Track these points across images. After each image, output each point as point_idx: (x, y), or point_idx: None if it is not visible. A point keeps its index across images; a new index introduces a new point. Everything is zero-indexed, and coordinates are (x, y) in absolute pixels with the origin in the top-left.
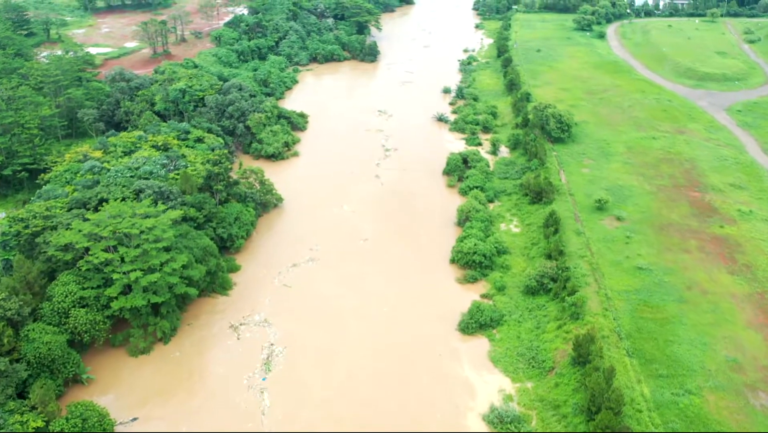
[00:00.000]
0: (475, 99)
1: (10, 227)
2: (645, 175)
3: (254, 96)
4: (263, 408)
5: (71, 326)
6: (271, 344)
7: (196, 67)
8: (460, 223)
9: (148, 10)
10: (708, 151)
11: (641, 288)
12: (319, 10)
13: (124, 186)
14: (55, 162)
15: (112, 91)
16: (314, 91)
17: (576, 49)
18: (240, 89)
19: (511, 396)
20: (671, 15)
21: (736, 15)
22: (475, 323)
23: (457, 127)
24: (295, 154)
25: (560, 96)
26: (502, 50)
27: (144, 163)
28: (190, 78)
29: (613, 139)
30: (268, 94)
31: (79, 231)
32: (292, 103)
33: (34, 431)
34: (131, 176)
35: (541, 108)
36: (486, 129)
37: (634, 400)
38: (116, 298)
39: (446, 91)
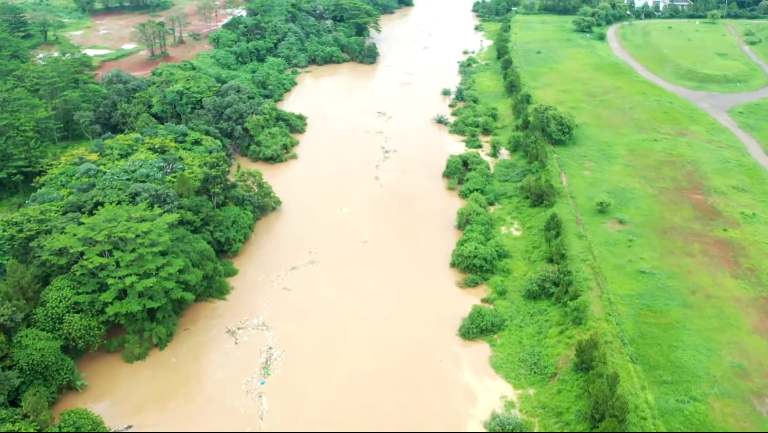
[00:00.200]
0: (475, 101)
1: (4, 230)
2: (647, 178)
3: (252, 98)
4: (261, 413)
5: (65, 331)
6: (270, 348)
7: (194, 68)
8: (461, 226)
9: (146, 12)
10: (710, 153)
11: (644, 292)
12: (317, 11)
13: (120, 189)
14: (51, 165)
15: (108, 93)
16: (313, 93)
17: (576, 50)
18: (238, 91)
19: (513, 403)
20: (671, 17)
21: (736, 16)
22: (475, 328)
23: (456, 129)
24: (294, 157)
25: (561, 98)
26: (501, 52)
27: (140, 166)
28: (188, 80)
29: (614, 141)
30: (267, 96)
31: (74, 235)
32: (290, 105)
33: None
34: (127, 179)
35: (542, 110)
36: (486, 131)
37: (638, 407)
38: (111, 303)
39: (446, 93)
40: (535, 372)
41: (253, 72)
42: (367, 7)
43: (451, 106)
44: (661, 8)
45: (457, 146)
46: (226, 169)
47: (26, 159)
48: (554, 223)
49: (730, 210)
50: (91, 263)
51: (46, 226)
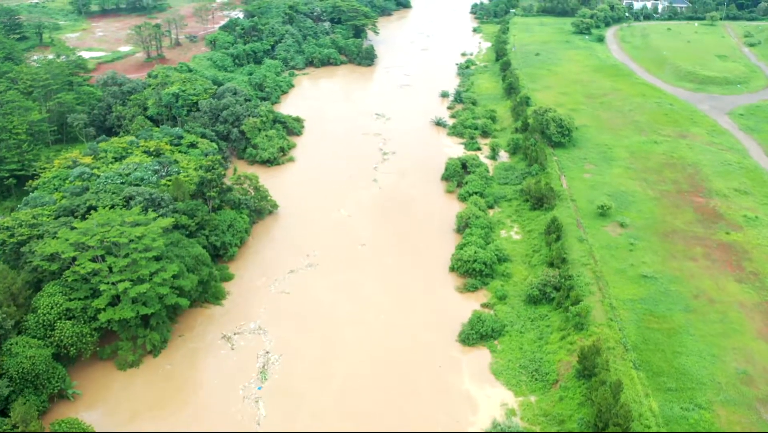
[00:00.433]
0: (474, 103)
1: None
2: (648, 181)
3: (249, 100)
4: (259, 418)
5: (57, 338)
6: (267, 352)
7: (190, 71)
8: (460, 229)
9: (142, 14)
10: (711, 155)
11: (647, 297)
12: (315, 13)
13: (113, 193)
14: (44, 168)
15: (103, 95)
16: (310, 96)
17: (575, 52)
18: (235, 93)
19: (514, 411)
20: (670, 18)
21: (735, 18)
22: (475, 334)
23: (455, 131)
24: (291, 160)
25: (560, 100)
26: (500, 54)
27: (135, 170)
28: (184, 82)
29: (615, 143)
30: (264, 99)
31: (66, 240)
32: (287, 107)
33: None
34: (121, 183)
35: (541, 112)
36: (485, 133)
37: (642, 415)
38: (104, 309)
39: (444, 95)
40: (536, 379)
41: (250, 74)
42: (365, 9)
43: (449, 108)
44: (659, 10)
45: (455, 149)
46: (222, 173)
47: (19, 162)
48: (555, 226)
49: (733, 213)
50: (84, 268)
51: (38, 230)
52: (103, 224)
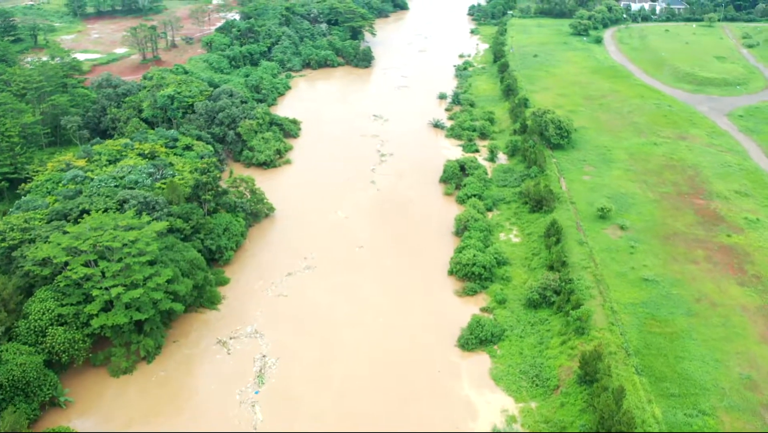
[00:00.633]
0: (472, 105)
1: None
2: (648, 183)
3: (245, 102)
4: (255, 422)
5: (48, 345)
6: (264, 356)
7: (186, 73)
8: (458, 232)
9: (138, 16)
10: (711, 157)
11: (648, 301)
12: (312, 15)
13: (107, 196)
14: (37, 171)
15: (98, 97)
16: (307, 98)
17: (573, 54)
18: (231, 95)
19: (515, 417)
20: (668, 20)
21: (733, 20)
22: (475, 339)
23: (453, 133)
24: (288, 162)
25: (558, 101)
26: (498, 55)
27: (129, 172)
28: (179, 84)
29: (614, 145)
30: (260, 101)
31: (58, 244)
32: (284, 109)
33: None
34: (115, 186)
35: (540, 114)
36: (483, 135)
37: (645, 422)
38: (97, 315)
39: (442, 96)
40: (537, 385)
41: (247, 76)
42: (362, 11)
43: (447, 110)
44: (657, 11)
45: (454, 150)
46: (218, 175)
47: (11, 165)
48: (554, 229)
49: (734, 215)
50: (76, 273)
51: (30, 235)
52: (95, 227)
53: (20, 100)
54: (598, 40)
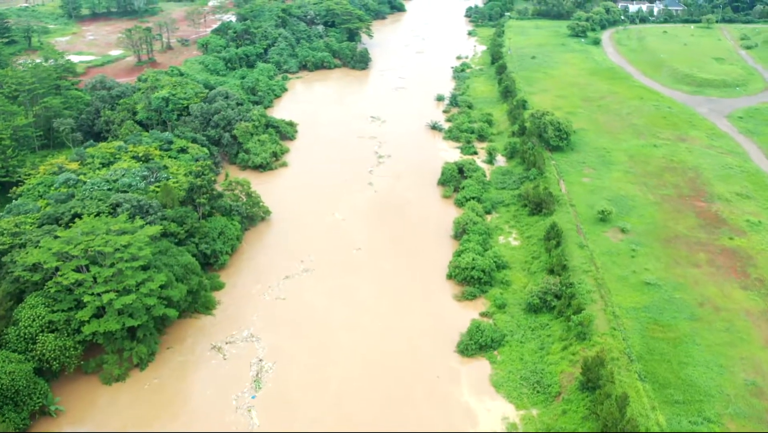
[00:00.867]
0: (470, 107)
1: None
2: (648, 185)
3: (241, 104)
4: (251, 427)
5: (39, 352)
6: (260, 360)
7: (181, 74)
8: (457, 236)
9: (134, 18)
10: (711, 159)
11: (650, 305)
12: (308, 17)
13: (100, 200)
14: (29, 175)
15: (92, 99)
16: (304, 100)
17: (571, 55)
18: (226, 97)
19: (516, 425)
20: (666, 21)
21: (731, 21)
22: (474, 344)
23: (451, 135)
24: (284, 165)
25: (557, 103)
26: (496, 57)
27: (123, 176)
28: (174, 86)
29: (613, 147)
30: (256, 103)
31: (49, 249)
32: (281, 111)
33: None
34: (108, 189)
35: (539, 115)
36: (481, 137)
37: (649, 429)
38: (88, 321)
39: (440, 98)
40: (538, 391)
41: (243, 78)
42: (359, 13)
43: (445, 111)
44: (655, 13)
45: (451, 153)
46: (213, 178)
47: (3, 169)
48: (554, 232)
49: (735, 218)
50: (67, 279)
51: (21, 239)
52: (87, 232)
53: (12, 103)
54: (596, 42)
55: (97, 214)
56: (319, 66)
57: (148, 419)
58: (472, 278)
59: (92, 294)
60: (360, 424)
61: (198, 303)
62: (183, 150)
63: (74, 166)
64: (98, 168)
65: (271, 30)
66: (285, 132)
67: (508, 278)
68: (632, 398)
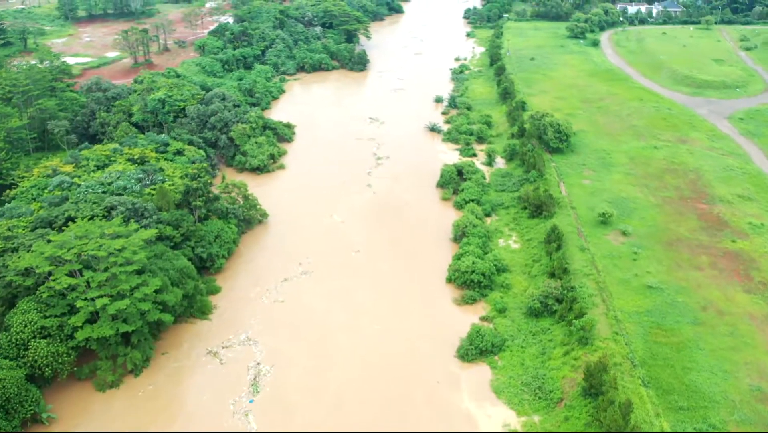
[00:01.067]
0: (469, 108)
1: None
2: (649, 187)
3: (238, 106)
4: (249, 431)
5: (31, 359)
6: (258, 363)
7: (178, 76)
8: (456, 239)
9: (130, 20)
10: (712, 160)
11: (653, 309)
12: (306, 18)
13: (94, 203)
14: (23, 177)
15: (87, 101)
16: (302, 101)
17: (570, 57)
18: (223, 99)
19: (517, 431)
20: (665, 23)
21: (730, 22)
22: (475, 349)
23: (450, 137)
24: (281, 167)
25: (556, 105)
26: (494, 59)
27: (117, 178)
28: (171, 87)
29: (614, 148)
30: (254, 105)
31: (41, 253)
32: (278, 113)
33: None
34: (103, 192)
35: (538, 117)
36: (480, 139)
37: None
38: (81, 327)
39: (438, 100)
40: (539, 397)
41: (240, 80)
42: (357, 14)
43: (444, 113)
44: (654, 14)
45: (450, 155)
46: (209, 181)
47: None
48: (555, 235)
49: (737, 220)
50: (59, 283)
51: (13, 243)
52: (80, 236)
53: (6, 104)
54: (595, 43)
55: (91, 218)
56: (317, 68)
57: (142, 426)
58: (472, 282)
59: (85, 299)
60: (358, 428)
61: (194, 308)
62: (179, 152)
63: (68, 168)
64: (93, 171)
65: (269, 32)
66: (282, 134)
67: (508, 282)
68: (636, 405)
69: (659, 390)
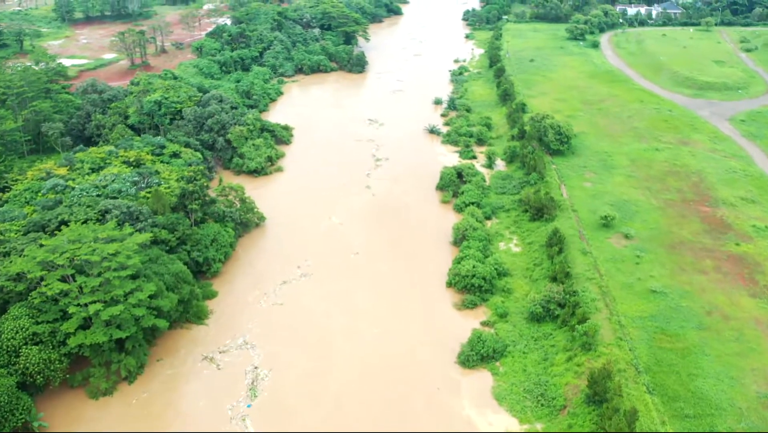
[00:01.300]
0: (468, 110)
1: None
2: (651, 189)
3: (236, 108)
4: None
5: (22, 366)
6: (256, 367)
7: (175, 78)
8: (456, 242)
9: (128, 22)
10: (715, 163)
11: (657, 314)
12: (304, 20)
13: (88, 206)
14: (16, 180)
15: (82, 103)
16: (300, 103)
17: (570, 58)
18: (220, 101)
19: None
20: (664, 24)
21: (730, 24)
22: (476, 355)
23: (450, 139)
24: (279, 170)
25: (556, 106)
26: (494, 60)
27: (112, 181)
28: (167, 89)
29: (615, 150)
30: (251, 107)
31: (33, 258)
32: (276, 115)
33: None
34: (98, 195)
35: (539, 119)
36: (480, 141)
37: None
38: (74, 333)
39: (437, 102)
40: (542, 404)
41: (238, 81)
42: (356, 16)
43: (443, 115)
44: (654, 16)
45: (450, 157)
46: (206, 184)
47: None
48: (557, 238)
49: (741, 223)
50: (51, 289)
51: (5, 247)
52: (73, 240)
53: (0, 107)
54: (595, 45)
55: (85, 222)
56: (316, 69)
57: None
58: (472, 286)
59: (78, 305)
60: None
61: (189, 313)
62: (176, 155)
63: (63, 171)
64: (87, 173)
65: (267, 33)
66: (280, 136)
67: (509, 286)
68: (641, 413)
69: (665, 397)
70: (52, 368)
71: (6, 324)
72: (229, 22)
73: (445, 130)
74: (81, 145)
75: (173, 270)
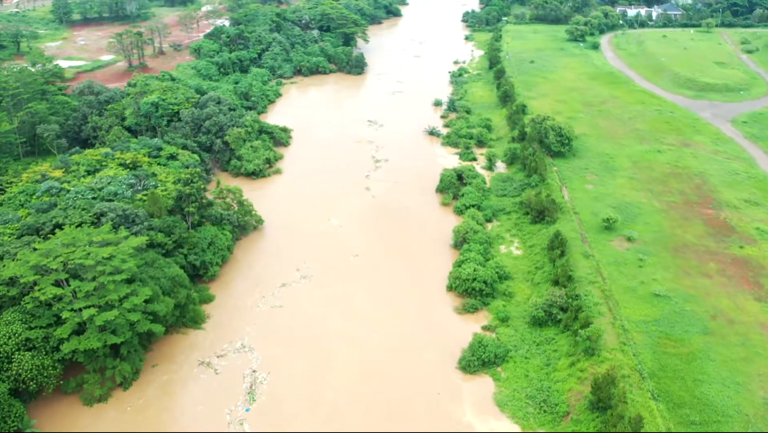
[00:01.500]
0: (468, 112)
1: None
2: (653, 192)
3: (234, 110)
4: None
5: (15, 372)
6: (254, 371)
7: (173, 80)
8: (457, 245)
9: (125, 23)
10: (717, 164)
11: (661, 318)
12: (303, 21)
13: (83, 209)
14: (11, 183)
15: (79, 105)
16: (299, 105)
17: (570, 59)
18: (218, 102)
19: None
20: (665, 25)
21: (731, 25)
22: (477, 360)
23: (449, 141)
24: (278, 172)
25: (557, 108)
26: (494, 61)
27: (108, 184)
28: (164, 91)
29: (616, 152)
30: (250, 108)
31: (26, 262)
32: (275, 117)
33: None
34: (93, 198)
35: (539, 120)
36: (480, 143)
37: None
38: (68, 339)
39: (437, 103)
40: (545, 411)
41: (236, 83)
42: (355, 17)
43: (443, 117)
44: (654, 17)
45: (450, 159)
46: (203, 186)
47: None
48: (558, 241)
49: (745, 225)
50: (44, 293)
51: None
52: (67, 243)
53: None
54: (595, 46)
55: (80, 225)
56: (315, 71)
57: None
58: (473, 290)
59: (72, 309)
60: None
61: (186, 317)
62: (173, 157)
63: (58, 174)
64: (83, 176)
65: (265, 35)
66: (279, 138)
67: (510, 290)
68: (646, 420)
69: (670, 404)
70: (45, 374)
71: None
72: (227, 23)
73: (445, 131)
74: (77, 147)
75: (169, 274)
